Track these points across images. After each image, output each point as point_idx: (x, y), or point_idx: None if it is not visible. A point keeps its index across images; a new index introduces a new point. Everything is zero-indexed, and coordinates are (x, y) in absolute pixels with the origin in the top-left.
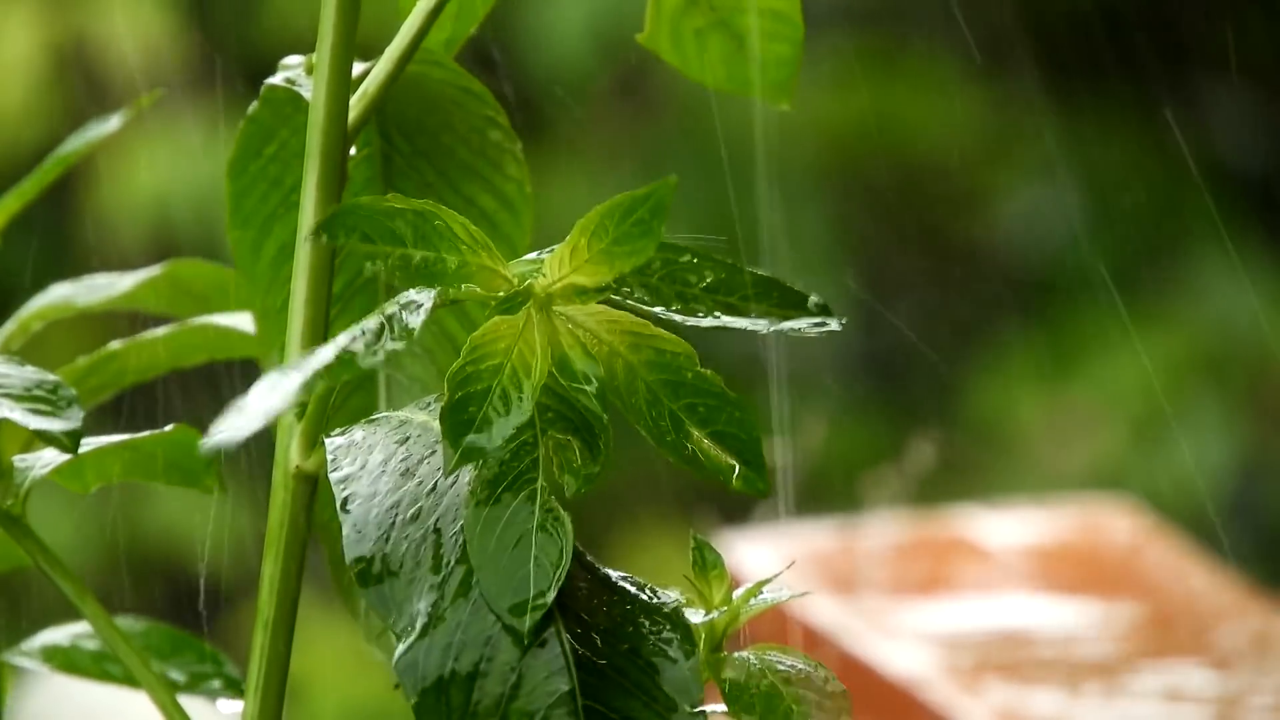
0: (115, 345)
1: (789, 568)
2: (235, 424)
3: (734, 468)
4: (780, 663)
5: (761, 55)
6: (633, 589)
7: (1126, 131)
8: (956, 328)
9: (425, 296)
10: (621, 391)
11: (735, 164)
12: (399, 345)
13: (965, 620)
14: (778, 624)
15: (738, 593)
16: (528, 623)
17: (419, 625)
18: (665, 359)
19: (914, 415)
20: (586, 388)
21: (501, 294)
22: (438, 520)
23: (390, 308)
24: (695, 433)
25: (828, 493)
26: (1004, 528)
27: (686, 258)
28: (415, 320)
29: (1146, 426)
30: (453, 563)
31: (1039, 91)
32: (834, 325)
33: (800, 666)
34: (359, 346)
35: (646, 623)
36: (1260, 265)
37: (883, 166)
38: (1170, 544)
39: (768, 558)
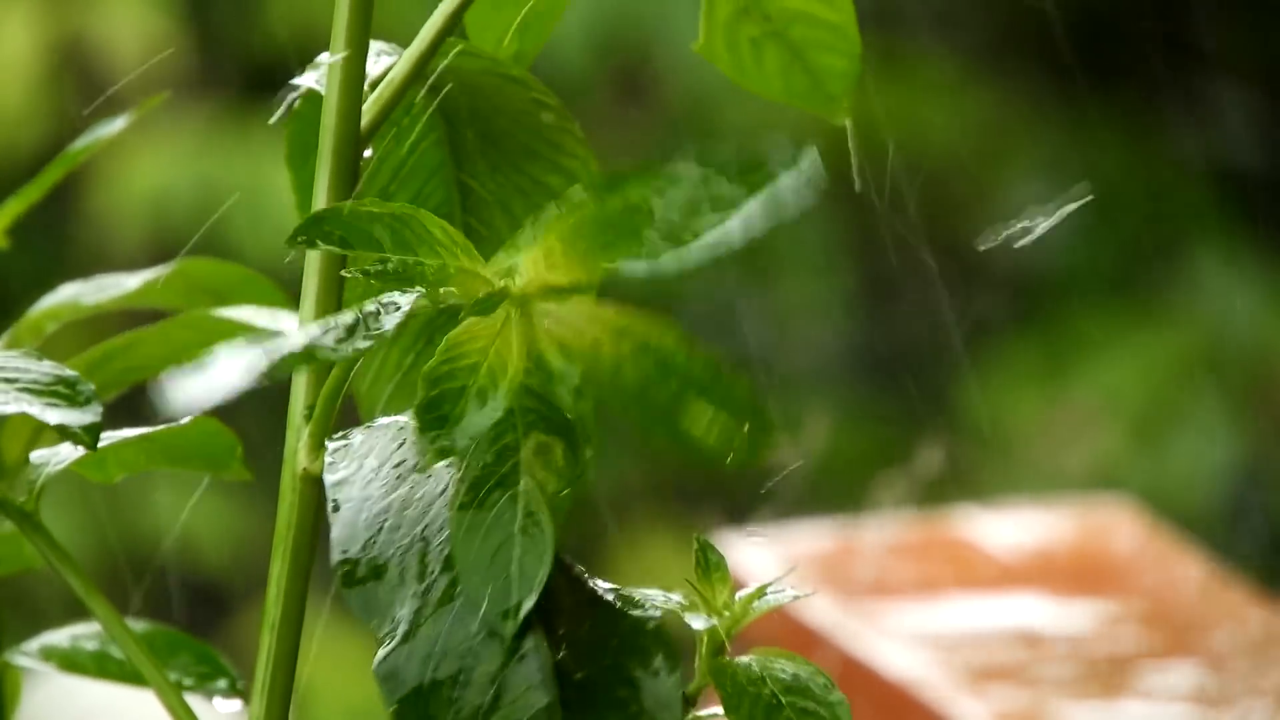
0: (119, 340)
1: (790, 571)
2: (191, 393)
3: (730, 445)
4: (783, 670)
5: (817, 68)
6: (619, 603)
7: (1126, 131)
8: (956, 328)
9: (406, 299)
10: (608, 385)
11: None
12: (368, 344)
13: (965, 621)
14: (777, 624)
15: (740, 595)
16: (509, 629)
17: (400, 632)
18: (652, 344)
19: (914, 416)
20: (563, 387)
21: (480, 295)
22: (425, 528)
23: (370, 305)
24: (691, 411)
25: (827, 493)
26: (1004, 529)
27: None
28: (391, 321)
29: (1146, 426)
30: (437, 571)
31: (1039, 92)
32: (805, 167)
33: (802, 674)
34: (328, 340)
35: (631, 638)
36: (1260, 265)
37: (883, 167)
38: (1170, 544)
39: (768, 558)
